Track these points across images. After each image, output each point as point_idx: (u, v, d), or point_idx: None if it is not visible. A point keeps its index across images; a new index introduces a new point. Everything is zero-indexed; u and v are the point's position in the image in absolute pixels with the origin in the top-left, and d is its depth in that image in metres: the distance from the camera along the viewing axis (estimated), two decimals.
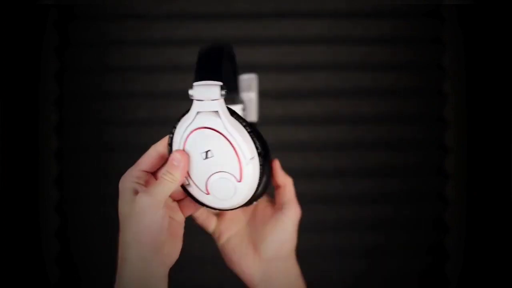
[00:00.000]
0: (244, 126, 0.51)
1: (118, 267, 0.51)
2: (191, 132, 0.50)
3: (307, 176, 0.99)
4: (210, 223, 0.64)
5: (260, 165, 0.52)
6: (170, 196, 0.55)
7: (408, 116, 1.02)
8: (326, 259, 1.01)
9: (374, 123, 1.01)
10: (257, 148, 0.51)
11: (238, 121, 0.51)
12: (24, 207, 0.99)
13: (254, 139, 0.51)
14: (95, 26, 0.99)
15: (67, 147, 1.00)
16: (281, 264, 0.62)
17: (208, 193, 0.52)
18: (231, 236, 0.63)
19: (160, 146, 0.54)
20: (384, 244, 1.02)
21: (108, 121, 1.01)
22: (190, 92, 0.50)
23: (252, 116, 0.67)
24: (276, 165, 0.61)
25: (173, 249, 0.54)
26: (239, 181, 0.51)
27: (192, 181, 0.52)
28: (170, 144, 0.53)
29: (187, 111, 0.51)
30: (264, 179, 0.56)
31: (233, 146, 0.50)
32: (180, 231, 0.56)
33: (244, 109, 0.66)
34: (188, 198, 0.55)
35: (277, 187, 0.62)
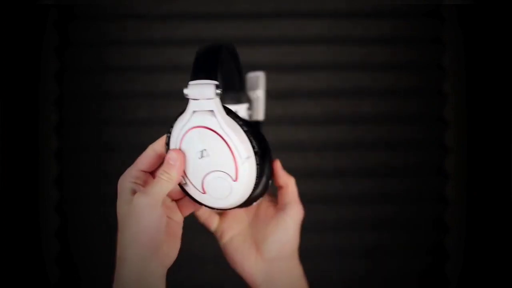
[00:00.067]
0: (241, 125, 0.51)
1: (117, 267, 0.52)
2: (187, 131, 0.51)
3: (307, 176, 0.99)
4: (212, 222, 0.64)
5: (257, 164, 0.52)
6: (169, 196, 0.56)
7: (408, 116, 1.02)
8: (326, 259, 1.01)
9: (374, 123, 1.01)
10: (253, 147, 0.51)
11: (235, 120, 0.51)
12: (24, 207, 0.99)
13: (251, 138, 0.51)
14: (95, 26, 0.99)
15: (67, 147, 1.00)
16: (283, 264, 0.62)
17: (204, 192, 0.52)
18: (233, 236, 0.63)
19: (157, 146, 0.54)
20: (384, 244, 1.02)
21: (108, 121, 1.01)
22: (185, 91, 0.50)
23: (259, 114, 0.67)
24: (277, 165, 0.61)
25: (172, 249, 0.54)
26: (235, 181, 0.51)
27: (189, 180, 0.52)
28: (167, 143, 0.53)
29: (184, 110, 0.51)
30: (263, 179, 0.56)
31: (228, 145, 0.50)
32: (178, 231, 0.56)
33: (249, 108, 0.65)
34: (187, 198, 0.56)
35: (279, 187, 0.62)
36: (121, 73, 1.00)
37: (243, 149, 0.50)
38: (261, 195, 0.57)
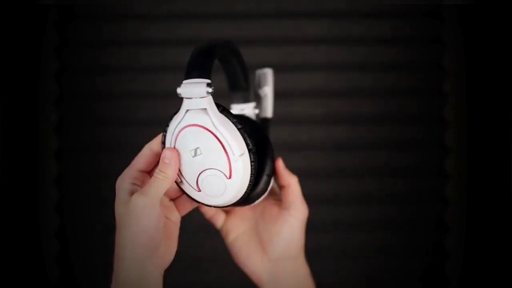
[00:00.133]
0: (234, 123, 0.51)
1: (114, 267, 0.52)
2: (181, 130, 0.51)
3: (306, 176, 0.99)
4: (218, 219, 0.63)
5: (251, 161, 0.52)
6: (166, 195, 0.56)
7: (408, 116, 1.02)
8: (325, 259, 1.01)
9: (374, 123, 1.01)
10: (247, 145, 0.51)
11: (228, 117, 0.51)
12: (24, 207, 0.99)
13: (245, 135, 0.51)
14: (95, 26, 0.99)
15: (67, 147, 1.00)
16: (289, 264, 0.61)
17: (199, 190, 0.52)
18: (239, 235, 0.63)
19: (153, 145, 0.54)
20: (384, 244, 1.02)
21: (108, 121, 1.01)
22: (178, 90, 0.50)
23: (267, 112, 0.66)
24: (279, 164, 0.60)
25: (169, 250, 0.54)
26: (229, 178, 0.51)
27: (184, 178, 0.52)
28: (163, 143, 0.53)
29: (179, 109, 0.51)
30: (263, 176, 0.56)
31: (221, 143, 0.50)
32: (175, 231, 0.56)
33: (256, 107, 0.65)
34: (184, 197, 0.56)
35: (282, 186, 0.62)
36: (121, 73, 1.00)
37: (236, 146, 0.50)
38: (262, 193, 0.57)
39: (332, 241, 1.02)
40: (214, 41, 0.54)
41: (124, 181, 0.53)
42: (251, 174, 0.52)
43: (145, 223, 0.50)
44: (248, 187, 0.53)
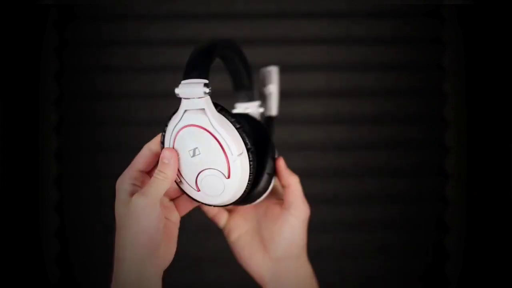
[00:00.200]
0: (233, 122, 0.51)
1: (114, 268, 0.52)
2: (179, 130, 0.51)
3: (306, 176, 0.99)
4: (221, 218, 0.63)
5: (250, 161, 0.52)
6: (166, 195, 0.56)
7: (408, 116, 1.02)
8: (325, 259, 1.01)
9: (374, 123, 1.01)
10: (246, 144, 0.51)
11: (226, 117, 0.51)
12: (24, 207, 0.99)
13: (243, 135, 0.51)
14: (95, 26, 0.99)
15: (67, 147, 1.00)
16: (291, 264, 0.61)
17: (198, 190, 0.52)
18: (241, 234, 0.63)
19: (153, 144, 0.54)
20: (384, 244, 1.02)
21: (108, 121, 1.01)
22: (176, 90, 0.50)
23: (272, 110, 0.65)
24: (280, 163, 0.60)
25: (168, 251, 0.55)
26: (228, 178, 0.51)
27: (183, 178, 0.53)
28: (162, 142, 0.53)
29: (177, 109, 0.51)
30: (264, 175, 0.56)
31: (219, 143, 0.50)
32: (175, 232, 0.56)
33: (261, 105, 0.65)
34: (184, 196, 0.56)
35: (283, 186, 0.61)
36: (121, 73, 1.00)
37: (235, 146, 0.50)
38: (262, 192, 0.57)
39: (332, 241, 1.02)
40: (214, 41, 0.54)
41: (124, 182, 0.53)
42: (250, 173, 0.52)
43: (145, 224, 0.51)
44: (247, 186, 0.53)
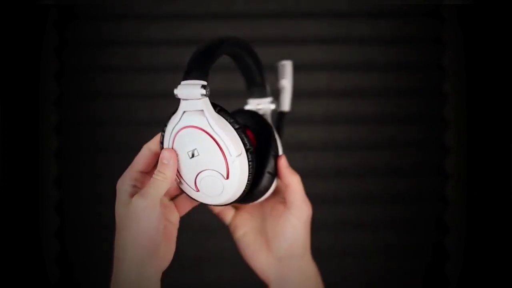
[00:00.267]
0: (231, 123, 0.51)
1: (114, 268, 0.52)
2: (178, 131, 0.51)
3: (307, 176, 0.99)
4: (227, 215, 0.63)
5: (249, 161, 0.52)
6: (166, 194, 0.56)
7: (408, 116, 1.02)
8: (326, 259, 1.01)
9: (374, 123, 1.01)
10: (245, 145, 0.51)
11: (225, 118, 0.51)
12: (24, 207, 0.99)
13: (242, 135, 0.51)
14: (95, 26, 0.99)
15: (67, 147, 1.00)
16: (294, 263, 0.61)
17: (198, 190, 0.53)
18: (247, 232, 0.63)
19: (152, 144, 0.54)
20: (384, 244, 1.02)
21: (108, 121, 1.00)
22: (175, 91, 0.50)
23: (285, 105, 0.65)
24: (281, 163, 0.59)
25: (168, 251, 0.55)
26: (226, 179, 0.51)
27: (183, 179, 0.53)
28: (162, 142, 0.53)
29: (176, 110, 0.51)
30: (265, 175, 0.56)
31: (218, 144, 0.50)
32: (174, 233, 0.56)
33: (273, 102, 0.65)
34: (184, 196, 0.56)
35: (284, 186, 0.61)
36: (121, 73, 1.00)
37: (233, 147, 0.50)
38: (264, 191, 0.57)
39: (332, 241, 1.02)
40: (218, 41, 0.54)
41: (124, 183, 0.53)
42: (249, 174, 0.52)
43: (145, 225, 0.51)
44: (246, 186, 0.53)
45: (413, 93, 1.02)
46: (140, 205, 0.50)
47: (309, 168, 1.01)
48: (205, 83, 0.50)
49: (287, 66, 0.65)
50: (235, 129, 0.51)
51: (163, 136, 0.53)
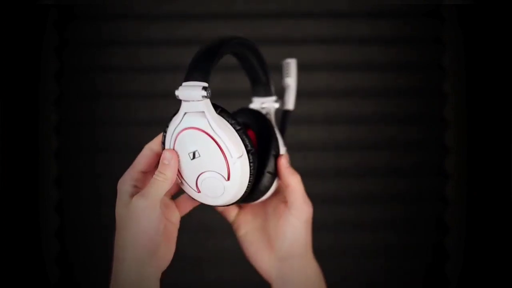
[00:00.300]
0: (233, 124, 0.51)
1: (114, 268, 0.52)
2: (179, 132, 0.51)
3: (307, 176, 0.99)
4: (230, 213, 0.63)
5: (251, 162, 0.52)
6: (166, 192, 0.56)
7: (408, 116, 1.02)
8: (326, 259, 1.01)
9: (374, 123, 1.01)
10: (246, 146, 0.51)
11: (226, 119, 0.51)
12: (24, 207, 0.99)
13: (243, 137, 0.51)
14: (95, 26, 0.99)
15: (67, 147, 1.00)
16: (295, 262, 0.61)
17: (199, 191, 0.53)
18: (249, 230, 0.63)
19: (154, 144, 0.54)
20: (384, 244, 1.02)
21: (108, 121, 1.00)
22: (176, 92, 0.50)
23: (289, 104, 0.65)
24: (281, 162, 0.59)
25: (168, 251, 0.55)
26: (227, 180, 0.51)
27: (184, 180, 0.53)
28: (163, 143, 0.53)
29: (178, 110, 0.51)
30: (265, 175, 0.56)
31: (218, 146, 0.50)
32: (174, 233, 0.56)
33: (277, 101, 0.65)
34: (184, 196, 0.56)
35: (284, 186, 0.61)
36: (121, 73, 1.00)
37: (234, 148, 0.50)
38: (265, 191, 0.57)
39: (332, 241, 1.02)
40: (217, 42, 0.54)
41: (125, 183, 0.53)
42: (250, 174, 0.52)
43: (145, 225, 0.51)
44: (247, 187, 0.53)
45: (413, 93, 1.02)
46: (141, 205, 0.51)
47: (309, 168, 1.01)
48: (206, 84, 0.50)
49: (291, 64, 0.64)
50: (236, 130, 0.51)
51: (164, 137, 0.53)
